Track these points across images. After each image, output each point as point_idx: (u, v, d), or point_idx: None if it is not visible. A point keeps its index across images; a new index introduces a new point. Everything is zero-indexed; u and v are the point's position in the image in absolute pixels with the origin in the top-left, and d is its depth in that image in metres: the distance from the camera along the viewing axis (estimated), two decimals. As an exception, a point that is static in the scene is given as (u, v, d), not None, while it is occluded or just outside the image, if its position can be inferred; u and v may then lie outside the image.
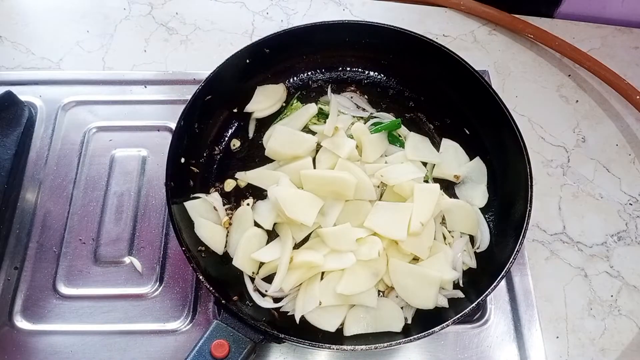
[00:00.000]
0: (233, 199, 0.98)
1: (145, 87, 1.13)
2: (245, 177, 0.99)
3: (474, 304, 0.78)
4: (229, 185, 0.99)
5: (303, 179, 0.92)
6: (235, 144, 1.04)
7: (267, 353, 0.88)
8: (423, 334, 0.76)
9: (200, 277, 0.79)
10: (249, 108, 1.05)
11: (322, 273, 0.88)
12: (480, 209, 0.96)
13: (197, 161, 0.99)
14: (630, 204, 1.04)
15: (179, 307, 0.91)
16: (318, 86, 1.11)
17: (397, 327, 0.85)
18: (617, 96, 1.14)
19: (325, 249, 0.88)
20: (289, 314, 0.87)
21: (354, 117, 1.05)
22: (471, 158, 1.01)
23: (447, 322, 0.77)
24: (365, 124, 1.02)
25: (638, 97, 1.09)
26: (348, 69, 1.12)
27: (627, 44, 1.24)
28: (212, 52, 1.20)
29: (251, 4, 1.28)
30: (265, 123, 1.05)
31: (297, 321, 0.85)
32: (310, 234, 0.91)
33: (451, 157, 1.01)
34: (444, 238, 0.94)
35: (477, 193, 0.98)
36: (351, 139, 0.97)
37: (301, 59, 1.09)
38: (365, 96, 1.09)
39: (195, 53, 1.21)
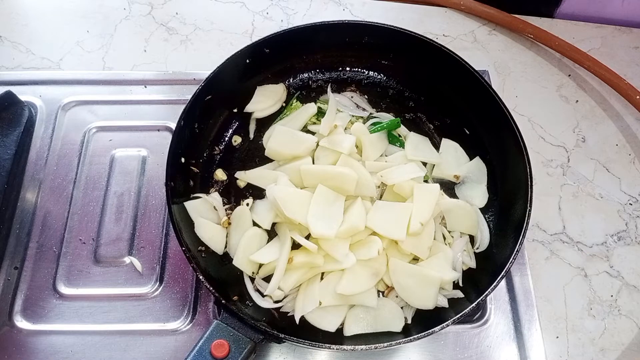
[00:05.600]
0: (233, 199, 0.98)
1: (145, 87, 1.13)
2: (245, 177, 0.99)
3: (474, 304, 0.78)
4: (219, 175, 0.99)
5: (303, 174, 0.92)
6: (237, 140, 1.04)
7: (267, 353, 0.88)
8: (423, 334, 0.76)
9: (200, 277, 0.79)
10: (249, 108, 1.05)
11: (322, 273, 0.88)
12: (480, 209, 0.96)
13: (197, 161, 0.99)
14: (630, 204, 1.04)
15: (179, 307, 0.91)
16: (318, 86, 1.11)
17: (397, 327, 0.85)
18: (617, 96, 1.14)
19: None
20: (289, 314, 0.87)
21: (352, 116, 1.05)
22: (471, 158, 1.01)
23: (447, 322, 0.77)
24: (364, 124, 1.03)
25: (638, 97, 1.09)
26: (348, 69, 1.12)
27: (627, 44, 1.24)
28: (212, 52, 1.20)
29: (251, 4, 1.28)
30: (265, 123, 1.05)
31: (297, 321, 0.85)
32: (310, 234, 0.91)
33: (451, 157, 1.01)
34: (444, 238, 0.94)
35: (477, 193, 0.98)
36: (350, 135, 0.97)
37: (301, 59, 1.09)
38: (365, 96, 1.09)
39: (195, 53, 1.21)
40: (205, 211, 0.93)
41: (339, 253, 0.85)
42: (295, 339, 0.76)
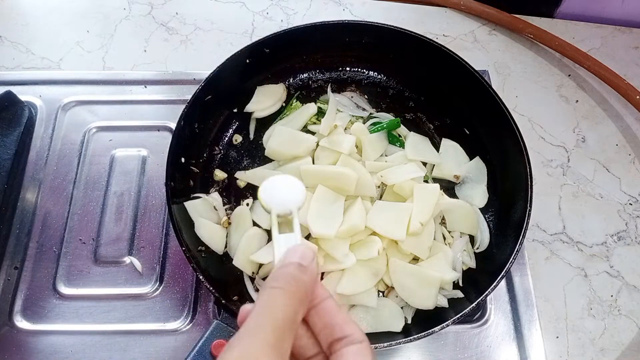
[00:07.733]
0: (233, 199, 0.98)
1: (145, 87, 1.13)
2: (245, 177, 0.99)
3: (474, 304, 0.78)
4: (218, 175, 0.99)
5: (303, 174, 0.92)
6: (237, 139, 1.04)
7: (267, 353, 0.88)
8: (423, 334, 0.76)
9: (200, 277, 0.79)
10: (249, 108, 1.05)
11: (322, 273, 0.88)
12: (480, 209, 0.96)
13: (197, 161, 0.99)
14: (630, 204, 1.04)
15: (179, 307, 0.91)
16: (318, 86, 1.11)
17: (397, 327, 0.85)
18: (617, 96, 1.14)
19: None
20: (289, 314, 0.87)
21: (352, 116, 1.05)
22: (471, 158, 1.01)
23: (447, 322, 0.77)
24: (364, 124, 1.03)
25: (638, 97, 1.09)
26: (348, 69, 1.12)
27: (627, 44, 1.23)
28: (212, 52, 1.20)
29: (251, 4, 1.28)
30: (265, 123, 1.05)
31: (297, 321, 0.85)
32: (310, 234, 0.91)
33: (451, 157, 1.01)
34: (444, 238, 0.94)
35: (477, 193, 0.98)
36: (350, 135, 0.97)
37: (301, 59, 1.09)
38: (365, 96, 1.09)
39: (195, 53, 1.21)
40: (205, 211, 0.93)
41: (339, 253, 0.85)
42: (295, 339, 0.76)
